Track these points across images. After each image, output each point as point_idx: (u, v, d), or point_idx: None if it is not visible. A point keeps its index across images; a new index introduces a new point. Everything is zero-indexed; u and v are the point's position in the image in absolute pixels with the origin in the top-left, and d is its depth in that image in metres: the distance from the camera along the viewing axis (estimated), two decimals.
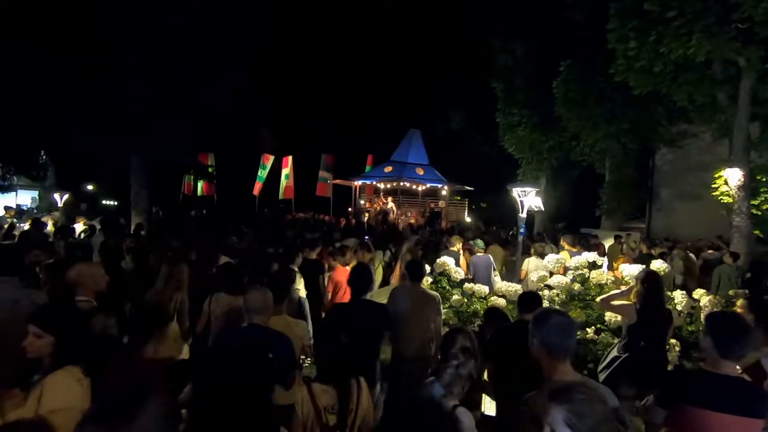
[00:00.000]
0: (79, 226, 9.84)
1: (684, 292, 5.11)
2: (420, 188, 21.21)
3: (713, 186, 10.22)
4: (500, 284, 5.55)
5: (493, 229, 13.95)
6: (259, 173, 21.02)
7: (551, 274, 5.53)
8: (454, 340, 2.27)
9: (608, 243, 10.06)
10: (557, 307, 5.05)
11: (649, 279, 3.58)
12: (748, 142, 9.50)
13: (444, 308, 5.07)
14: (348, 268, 5.62)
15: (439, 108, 24.29)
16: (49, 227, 10.40)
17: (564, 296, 5.31)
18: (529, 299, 3.30)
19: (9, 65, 9.69)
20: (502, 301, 5.20)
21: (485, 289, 5.30)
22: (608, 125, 13.02)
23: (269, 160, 21.14)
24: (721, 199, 9.90)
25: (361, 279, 3.47)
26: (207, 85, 11.34)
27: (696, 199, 13.94)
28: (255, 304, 2.65)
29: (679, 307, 4.85)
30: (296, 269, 5.26)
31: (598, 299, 4.17)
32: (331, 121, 28.27)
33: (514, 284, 5.36)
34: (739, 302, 4.11)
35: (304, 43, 27.22)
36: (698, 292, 5.18)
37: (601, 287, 5.32)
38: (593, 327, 4.85)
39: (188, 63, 11.01)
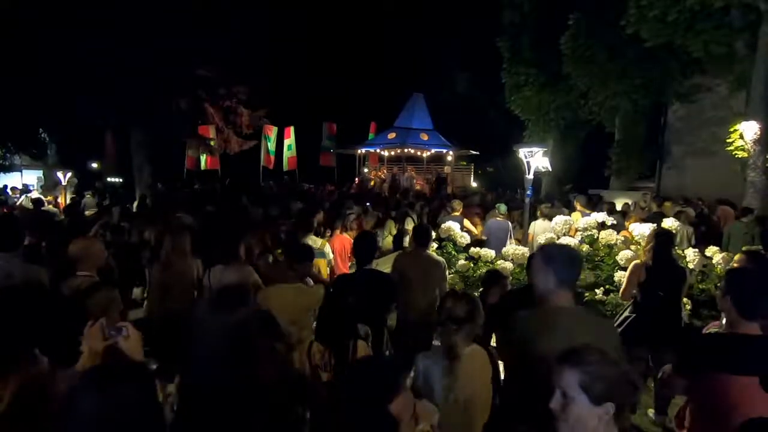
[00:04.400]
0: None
1: (696, 249, 4.99)
2: (425, 154, 20.88)
3: (727, 141, 9.87)
4: (507, 247, 5.47)
5: (492, 193, 13.79)
6: (268, 147, 20.67)
7: (558, 237, 5.42)
8: (442, 305, 2.20)
9: (619, 204, 9.89)
10: None
11: (658, 236, 3.47)
12: (767, 93, 9.07)
13: (450, 273, 5.03)
14: (347, 235, 5.52)
15: (443, 71, 23.58)
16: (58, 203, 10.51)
17: None
18: None
19: (5, 37, 9.47)
20: (509, 265, 5.14)
21: (491, 253, 5.22)
22: (618, 81, 12.54)
23: (272, 132, 20.77)
24: (736, 154, 9.58)
25: (364, 248, 3.39)
26: (204, 54, 11.06)
27: (709, 155, 13.52)
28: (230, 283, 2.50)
29: (691, 265, 4.75)
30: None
31: (620, 295, 4.01)
32: (331, 89, 27.58)
33: (521, 247, 5.28)
34: (737, 257, 4.00)
35: (302, 9, 26.17)
36: (711, 250, 5.06)
37: (610, 248, 5.21)
38: (602, 288, 4.78)
39: (185, 29, 10.72)
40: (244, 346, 1.45)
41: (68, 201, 10.86)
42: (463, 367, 2.05)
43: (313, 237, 5.20)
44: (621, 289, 3.74)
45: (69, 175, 12.26)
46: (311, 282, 3.49)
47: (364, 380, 1.10)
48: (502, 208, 6.88)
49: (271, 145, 20.84)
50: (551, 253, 2.03)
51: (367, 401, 1.05)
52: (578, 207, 7.22)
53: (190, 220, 5.99)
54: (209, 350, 1.49)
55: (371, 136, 22.03)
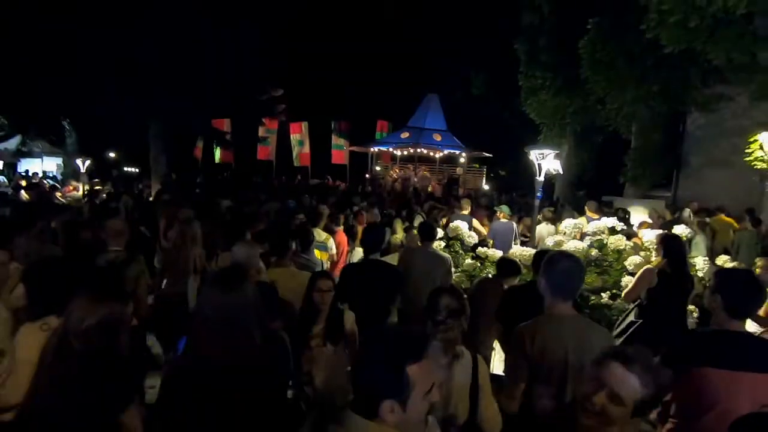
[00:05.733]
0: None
1: (706, 258, 4.96)
2: (437, 155, 20.88)
3: (747, 151, 9.72)
4: (514, 249, 5.49)
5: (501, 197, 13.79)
6: (267, 138, 20.78)
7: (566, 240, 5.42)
8: (438, 302, 2.16)
9: (635, 212, 9.80)
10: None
11: (670, 242, 3.47)
12: None
13: (456, 272, 5.07)
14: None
15: (458, 72, 23.47)
16: (80, 192, 10.91)
17: None
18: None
19: (28, 26, 9.78)
20: None
21: (498, 253, 5.24)
22: (636, 88, 12.40)
23: (275, 125, 20.85)
24: (755, 164, 9.43)
25: (371, 238, 3.46)
26: (220, 45, 11.26)
27: (727, 166, 13.29)
28: (238, 258, 2.76)
29: (700, 273, 4.71)
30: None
31: (622, 295, 4.06)
32: (345, 87, 27.65)
33: (528, 249, 5.29)
34: (760, 262, 3.99)
35: (315, 6, 26.24)
36: (721, 259, 5.02)
37: (619, 253, 5.20)
38: (608, 292, 4.77)
39: (201, 23, 10.93)
40: (237, 324, 1.53)
41: (86, 189, 11.20)
42: (457, 366, 2.06)
43: (318, 230, 5.28)
44: (626, 290, 3.75)
45: (88, 163, 12.58)
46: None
47: (387, 340, 1.17)
48: (505, 209, 6.91)
49: (271, 138, 20.90)
50: (556, 264, 2.09)
51: (385, 361, 1.11)
52: (588, 212, 7.22)
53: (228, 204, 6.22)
54: (206, 328, 1.57)
55: (378, 134, 22.07)
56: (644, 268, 3.70)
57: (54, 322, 1.84)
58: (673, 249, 3.42)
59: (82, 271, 2.19)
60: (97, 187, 11.07)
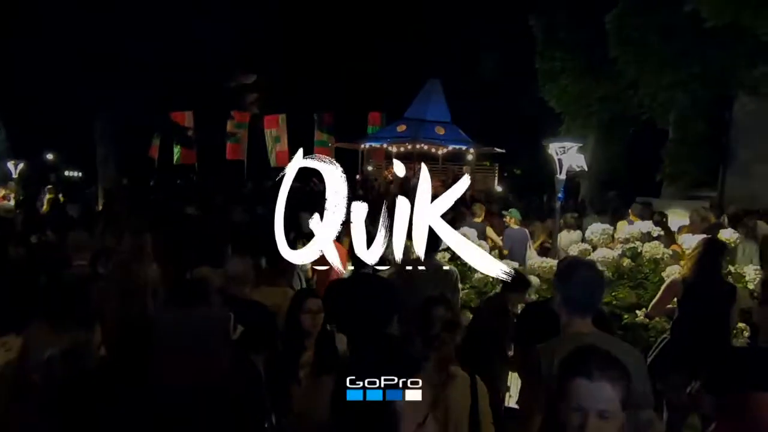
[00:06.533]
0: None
1: (758, 267, 5.03)
2: (440, 151, 21.02)
3: None
4: (533, 260, 5.55)
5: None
6: (237, 133, 20.81)
7: (594, 247, 5.48)
8: (431, 313, 2.22)
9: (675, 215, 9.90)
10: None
11: (704, 246, 3.55)
12: None
13: (464, 289, 5.11)
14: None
15: (464, 53, 23.76)
16: (11, 201, 10.89)
17: (611, 274, 5.28)
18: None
19: None
20: (535, 280, 5.21)
21: (514, 265, 5.29)
22: (674, 69, 12.62)
23: (246, 119, 20.88)
24: None
25: None
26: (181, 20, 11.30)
27: None
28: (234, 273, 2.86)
29: (750, 286, 4.78)
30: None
31: (649, 308, 4.15)
32: (330, 72, 27.69)
33: (549, 260, 5.34)
34: None
35: None
36: None
37: (656, 263, 5.27)
38: (644, 309, 4.82)
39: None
40: (200, 343, 1.57)
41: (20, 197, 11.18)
42: (453, 388, 2.08)
43: None
44: (651, 304, 3.81)
45: (21, 166, 12.55)
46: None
47: (369, 367, 1.19)
48: (515, 213, 7.02)
49: (242, 134, 20.90)
50: (572, 275, 2.12)
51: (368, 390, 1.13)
52: (631, 215, 7.33)
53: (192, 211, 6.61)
54: (168, 347, 1.61)
55: (371, 129, 22.16)
56: (671, 277, 3.79)
57: (15, 343, 1.87)
58: (702, 255, 3.50)
59: (30, 288, 2.23)
60: (49, 195, 11.07)
